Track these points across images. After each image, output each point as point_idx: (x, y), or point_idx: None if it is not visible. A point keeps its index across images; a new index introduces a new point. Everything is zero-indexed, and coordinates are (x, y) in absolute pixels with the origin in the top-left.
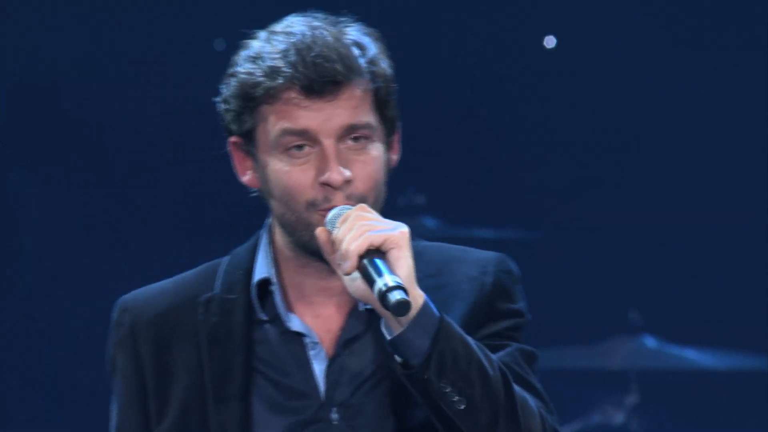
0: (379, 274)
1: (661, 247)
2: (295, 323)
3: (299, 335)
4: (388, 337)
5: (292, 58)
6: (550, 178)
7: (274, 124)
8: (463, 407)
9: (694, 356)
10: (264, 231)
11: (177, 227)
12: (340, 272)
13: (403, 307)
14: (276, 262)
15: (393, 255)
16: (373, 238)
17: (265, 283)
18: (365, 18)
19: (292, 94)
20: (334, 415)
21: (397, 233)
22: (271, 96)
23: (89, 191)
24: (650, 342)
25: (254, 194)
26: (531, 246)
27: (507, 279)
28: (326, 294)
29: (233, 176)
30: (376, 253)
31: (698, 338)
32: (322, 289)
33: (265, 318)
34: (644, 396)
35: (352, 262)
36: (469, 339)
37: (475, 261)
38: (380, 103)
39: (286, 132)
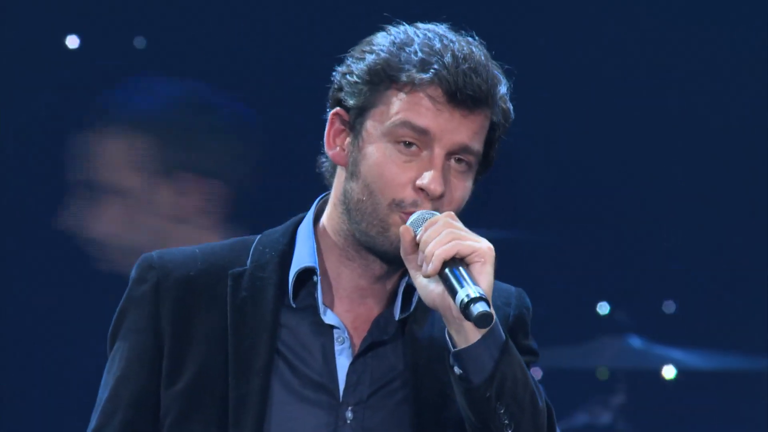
0: (462, 284)
1: (648, 248)
2: (329, 316)
3: (330, 328)
4: (453, 348)
5: (448, 60)
6: (537, 178)
7: (398, 111)
8: (510, 431)
9: (680, 356)
10: (308, 216)
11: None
12: (415, 273)
13: (485, 319)
14: (319, 251)
15: (476, 268)
16: (462, 247)
17: (306, 271)
18: (359, 18)
19: (432, 92)
20: (349, 414)
21: (485, 247)
22: (409, 85)
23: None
24: (636, 342)
25: (320, 170)
26: (517, 245)
27: (527, 315)
28: (362, 293)
29: None
30: (460, 262)
31: (684, 339)
32: (359, 288)
33: (296, 306)
34: (630, 396)
35: (435, 265)
36: (526, 367)
37: (498, 291)
38: (491, 140)
39: (407, 124)
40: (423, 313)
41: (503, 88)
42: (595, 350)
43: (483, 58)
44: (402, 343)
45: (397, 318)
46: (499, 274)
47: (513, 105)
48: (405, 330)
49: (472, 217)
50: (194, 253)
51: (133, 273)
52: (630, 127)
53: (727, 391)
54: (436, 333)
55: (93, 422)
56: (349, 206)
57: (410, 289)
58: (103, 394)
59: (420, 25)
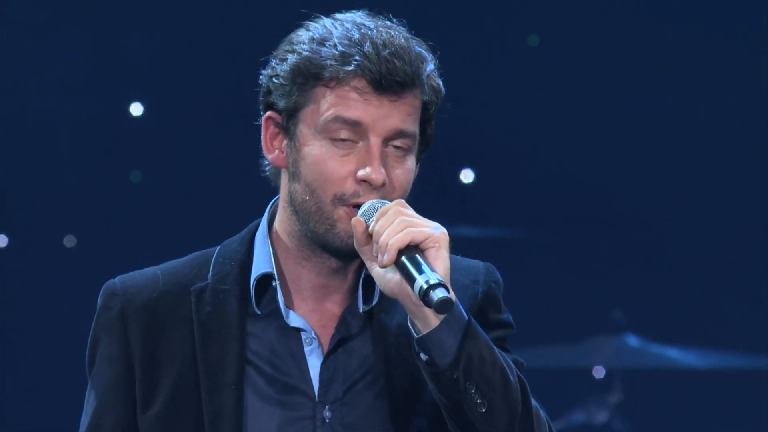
0: (420, 270)
1: (644, 247)
2: (293, 318)
3: (296, 330)
4: (416, 335)
5: (368, 49)
6: (534, 178)
7: (328, 108)
8: (484, 410)
9: (676, 355)
10: (262, 222)
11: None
12: (371, 264)
13: (446, 305)
14: (275, 255)
15: (432, 254)
16: (415, 234)
17: (265, 278)
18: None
19: (358, 84)
20: (327, 413)
21: (438, 233)
22: (334, 80)
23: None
24: (633, 341)
25: (265, 174)
26: (514, 245)
27: (497, 289)
28: (323, 291)
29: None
30: (414, 249)
31: (681, 337)
32: (320, 286)
33: (260, 312)
34: (627, 395)
35: (390, 255)
36: (492, 344)
37: (465, 269)
38: (426, 118)
39: (339, 119)
40: (387, 302)
41: (429, 66)
42: (592, 349)
43: (403, 40)
44: (370, 335)
45: (361, 310)
46: (499, 272)
47: (511, 106)
48: (372, 321)
49: (471, 215)
50: (155, 274)
51: (99, 300)
52: (629, 127)
53: (724, 390)
54: (402, 321)
55: None
56: (295, 207)
57: (370, 280)
58: (84, 424)
59: (338, 15)
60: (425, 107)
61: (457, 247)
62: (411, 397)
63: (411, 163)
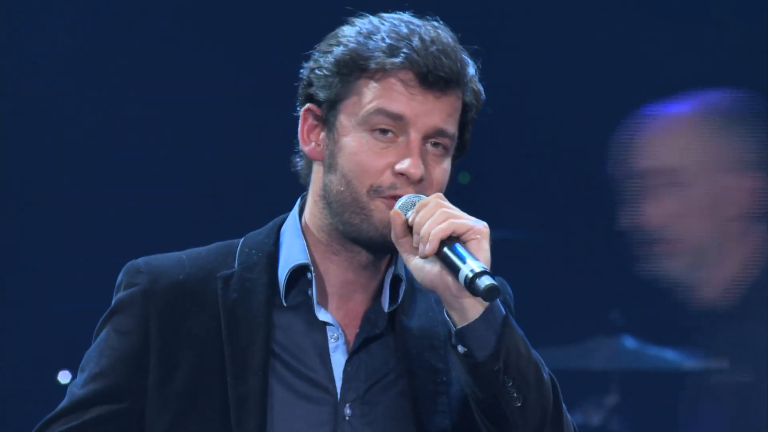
0: (463, 260)
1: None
2: (322, 312)
3: (323, 325)
4: (454, 328)
5: (416, 43)
6: (532, 178)
7: (371, 100)
8: (519, 404)
9: (673, 357)
10: (292, 216)
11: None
12: (408, 256)
13: (493, 291)
14: (308, 247)
15: (473, 245)
16: (457, 225)
17: (298, 270)
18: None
19: (404, 77)
20: (347, 411)
21: (480, 225)
22: (380, 72)
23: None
24: (630, 342)
25: (295, 169)
26: (510, 246)
27: (509, 301)
28: (351, 288)
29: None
30: (456, 240)
31: (678, 339)
32: (348, 282)
33: (287, 305)
34: (624, 396)
35: (433, 245)
36: (527, 341)
37: None
38: (465, 121)
39: (381, 111)
40: (410, 303)
41: (472, 70)
42: (589, 350)
43: (450, 40)
44: (393, 336)
45: (386, 310)
46: (496, 272)
47: (510, 105)
48: (395, 322)
49: (468, 215)
50: (181, 258)
51: (120, 278)
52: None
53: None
54: (423, 323)
55: (64, 403)
56: (329, 199)
57: (396, 280)
58: (76, 387)
59: (384, 15)
60: (465, 109)
61: None
62: (433, 397)
63: (447, 164)
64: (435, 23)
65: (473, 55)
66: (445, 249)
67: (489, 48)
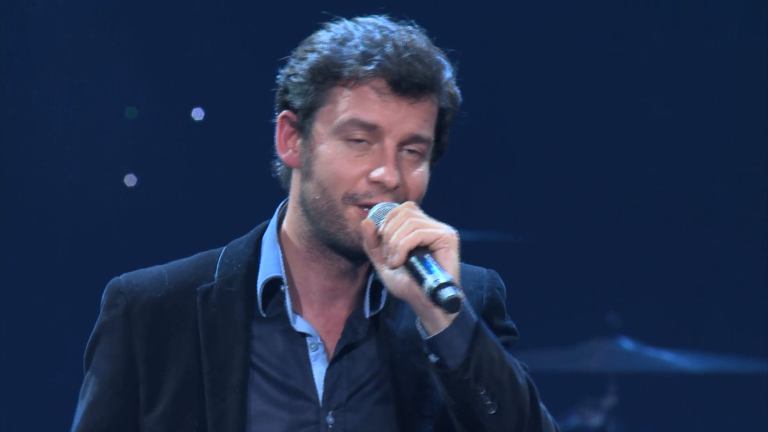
0: (429, 270)
1: (639, 250)
2: (299, 323)
3: (302, 335)
4: (425, 336)
5: (389, 50)
6: (529, 182)
7: (345, 109)
8: (493, 412)
9: (671, 359)
10: (271, 224)
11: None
12: (380, 266)
13: (455, 303)
14: (284, 257)
15: (441, 254)
16: (425, 235)
17: (273, 282)
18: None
19: (377, 84)
20: (329, 419)
21: (448, 233)
22: (353, 80)
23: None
24: (627, 344)
25: (276, 175)
26: (509, 248)
27: (501, 296)
28: (330, 295)
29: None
30: (424, 250)
31: (675, 341)
32: (328, 290)
33: (266, 316)
34: (622, 398)
35: (400, 256)
36: (501, 346)
37: (469, 275)
38: (441, 125)
39: (355, 122)
40: (394, 307)
41: (448, 73)
42: (586, 352)
43: (425, 44)
44: (376, 341)
45: (367, 316)
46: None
47: (507, 108)
48: (377, 327)
49: (466, 219)
50: (161, 273)
51: (102, 299)
52: (624, 130)
53: (718, 393)
54: (409, 326)
55: None
56: (306, 207)
57: (378, 285)
58: (78, 419)
59: (359, 19)
60: (441, 114)
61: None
62: (417, 402)
63: (424, 168)
64: (410, 27)
65: (450, 58)
66: (413, 259)
67: (487, 49)
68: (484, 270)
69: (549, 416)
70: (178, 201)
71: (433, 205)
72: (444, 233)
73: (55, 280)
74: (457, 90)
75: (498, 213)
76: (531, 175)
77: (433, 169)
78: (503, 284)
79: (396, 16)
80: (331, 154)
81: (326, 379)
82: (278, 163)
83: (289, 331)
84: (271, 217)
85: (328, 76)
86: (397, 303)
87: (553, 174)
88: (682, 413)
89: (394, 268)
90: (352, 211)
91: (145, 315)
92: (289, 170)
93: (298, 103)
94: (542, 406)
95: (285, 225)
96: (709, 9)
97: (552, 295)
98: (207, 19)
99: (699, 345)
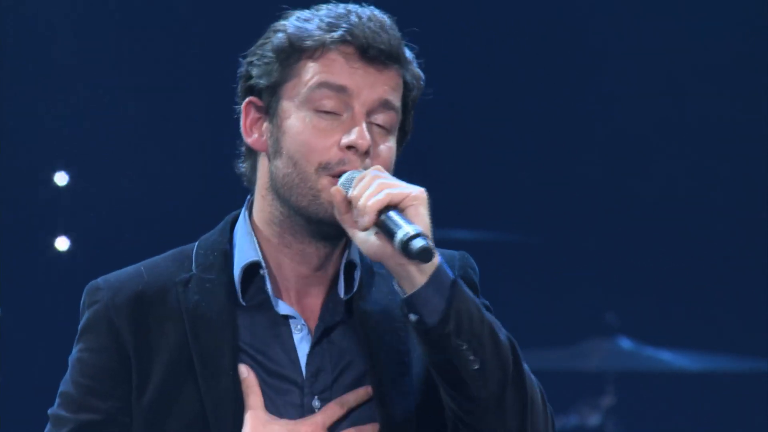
0: (399, 225)
1: (637, 249)
2: (281, 306)
3: (285, 318)
4: (403, 296)
5: (354, 19)
6: (528, 181)
7: (313, 76)
8: (477, 367)
9: (669, 358)
10: (242, 214)
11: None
12: (352, 231)
13: (427, 253)
14: (259, 245)
15: (411, 211)
16: (394, 195)
17: (252, 266)
18: None
19: (345, 50)
20: (316, 403)
21: (416, 191)
22: (319, 49)
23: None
24: (626, 344)
25: (240, 171)
26: (507, 248)
27: (473, 274)
28: (306, 281)
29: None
30: (394, 209)
31: (673, 340)
32: (302, 277)
33: (246, 303)
34: (620, 397)
35: (370, 216)
36: (479, 303)
37: (441, 257)
38: (406, 102)
39: (324, 85)
40: (367, 290)
41: (410, 54)
42: (585, 352)
43: (387, 20)
44: (352, 323)
45: (342, 297)
46: (493, 274)
47: (502, 107)
48: (353, 309)
49: (464, 218)
50: (138, 269)
51: (82, 301)
52: (622, 129)
53: (716, 392)
54: (384, 305)
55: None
56: (276, 186)
57: (351, 268)
58: (67, 414)
59: (320, 5)
60: (407, 88)
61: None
62: (397, 380)
63: (393, 143)
64: (373, 8)
65: (410, 48)
66: (383, 217)
67: (488, 48)
68: (456, 252)
69: (534, 378)
70: (145, 202)
71: (433, 204)
72: (412, 191)
73: (55, 279)
74: (420, 72)
75: (497, 213)
76: (530, 176)
77: (435, 169)
78: (475, 264)
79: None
80: (300, 126)
81: (308, 364)
82: (241, 159)
83: (273, 316)
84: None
85: (293, 51)
86: (370, 285)
87: (553, 174)
88: (680, 412)
89: (365, 229)
90: (325, 182)
91: (127, 307)
92: (253, 162)
93: (262, 82)
94: (525, 366)
95: (255, 215)
96: (708, 9)
97: (550, 294)
98: (214, 17)
99: (697, 344)
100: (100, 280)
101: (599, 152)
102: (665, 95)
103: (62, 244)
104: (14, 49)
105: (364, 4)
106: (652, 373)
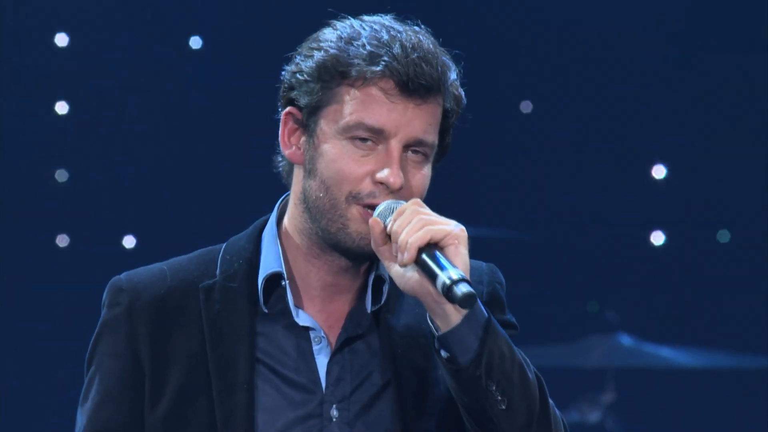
0: (442, 267)
1: (637, 246)
2: (302, 317)
3: (305, 329)
4: (437, 333)
5: (397, 51)
6: (527, 178)
7: (352, 111)
8: (504, 407)
9: (669, 354)
10: (271, 220)
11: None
12: (389, 264)
13: (469, 299)
14: (284, 253)
15: (451, 251)
16: (435, 232)
17: (274, 277)
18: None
19: (384, 85)
20: (334, 412)
21: (457, 230)
22: (360, 80)
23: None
24: (626, 340)
25: (277, 170)
26: (508, 244)
27: (501, 290)
28: (331, 290)
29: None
30: (434, 247)
31: (674, 337)
32: (328, 285)
33: (268, 311)
34: (620, 394)
35: (411, 254)
36: (511, 341)
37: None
38: (445, 127)
39: (361, 126)
40: (395, 302)
41: (453, 74)
42: (585, 348)
43: (431, 46)
44: (378, 335)
45: (369, 311)
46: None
47: (502, 105)
48: (379, 322)
49: (467, 215)
50: (162, 271)
51: (104, 298)
52: (622, 127)
53: (717, 389)
54: (410, 321)
55: None
56: (308, 204)
57: (379, 280)
58: (85, 418)
59: (365, 17)
60: (446, 115)
61: None
62: (419, 398)
63: (427, 170)
64: (416, 28)
65: (455, 59)
66: (423, 256)
67: (490, 48)
68: (484, 264)
69: (557, 411)
70: (174, 198)
71: (435, 201)
72: (453, 229)
73: (56, 279)
74: (461, 91)
75: (499, 210)
76: (532, 172)
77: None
78: (503, 278)
79: (402, 16)
80: (336, 153)
81: (329, 372)
82: (280, 159)
83: (292, 325)
84: (269, 212)
85: (335, 75)
86: (397, 298)
87: (554, 171)
88: (680, 409)
89: (404, 265)
90: (354, 211)
91: (148, 312)
92: (290, 166)
93: (303, 101)
94: (551, 401)
95: (286, 221)
96: (709, 9)
97: (551, 291)
98: (213, 17)
99: (697, 341)
100: (123, 277)
101: (599, 149)
102: (665, 94)
103: (62, 241)
104: (14, 49)
105: (409, 24)
106: (652, 370)
